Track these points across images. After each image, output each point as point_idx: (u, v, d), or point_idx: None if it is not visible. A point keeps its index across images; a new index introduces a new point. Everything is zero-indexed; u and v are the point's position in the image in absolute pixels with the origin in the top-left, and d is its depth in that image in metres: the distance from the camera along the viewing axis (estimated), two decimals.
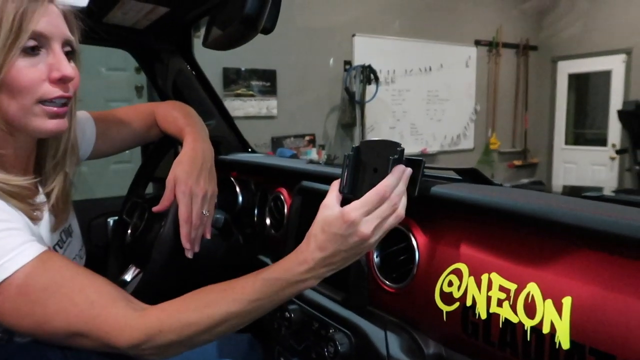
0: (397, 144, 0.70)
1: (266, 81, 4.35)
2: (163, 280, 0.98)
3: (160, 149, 1.26)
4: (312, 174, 1.07)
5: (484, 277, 0.69)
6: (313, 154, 4.47)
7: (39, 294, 0.66)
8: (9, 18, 0.68)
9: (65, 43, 0.76)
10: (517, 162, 6.37)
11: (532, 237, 0.67)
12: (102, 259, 1.21)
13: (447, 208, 0.79)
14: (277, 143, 4.42)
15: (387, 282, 0.84)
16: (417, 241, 0.80)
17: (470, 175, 0.87)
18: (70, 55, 0.78)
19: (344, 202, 0.69)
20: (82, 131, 0.99)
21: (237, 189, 1.35)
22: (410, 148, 5.07)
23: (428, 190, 0.78)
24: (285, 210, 1.17)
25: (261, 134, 4.25)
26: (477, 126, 5.98)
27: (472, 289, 0.70)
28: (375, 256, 0.87)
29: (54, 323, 0.67)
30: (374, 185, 0.67)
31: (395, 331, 0.80)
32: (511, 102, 6.28)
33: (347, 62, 4.79)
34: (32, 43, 0.71)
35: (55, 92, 0.74)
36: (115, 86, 3.70)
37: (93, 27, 0.84)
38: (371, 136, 4.92)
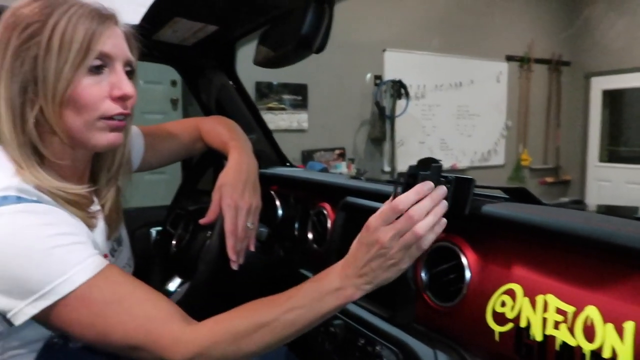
0: (434, 161, 0.70)
1: (297, 95, 4.39)
2: (208, 291, 1.00)
3: (203, 163, 1.29)
4: (355, 190, 1.08)
5: (539, 299, 0.68)
6: (343, 168, 4.48)
7: (101, 306, 0.69)
8: (79, 38, 0.71)
9: (126, 63, 0.80)
10: (548, 179, 6.24)
11: (589, 260, 0.66)
12: (144, 268, 1.23)
13: (498, 227, 0.78)
14: (307, 156, 4.44)
15: (436, 301, 0.84)
16: (468, 260, 0.80)
17: (519, 195, 0.86)
18: (130, 74, 0.81)
19: None
20: (131, 144, 1.03)
21: (277, 203, 1.37)
22: None
23: (479, 209, 0.78)
24: (329, 225, 1.17)
25: (292, 147, 4.28)
26: (508, 142, 5.89)
27: (527, 310, 0.69)
28: (423, 274, 0.86)
29: (114, 335, 0.69)
30: None
31: (445, 350, 0.79)
32: (543, 118, 6.17)
33: (378, 77, 4.80)
34: (97, 62, 0.74)
35: (115, 109, 0.77)
36: (151, 99, 3.80)
37: (143, 44, 0.87)
38: (401, 151, 4.90)
